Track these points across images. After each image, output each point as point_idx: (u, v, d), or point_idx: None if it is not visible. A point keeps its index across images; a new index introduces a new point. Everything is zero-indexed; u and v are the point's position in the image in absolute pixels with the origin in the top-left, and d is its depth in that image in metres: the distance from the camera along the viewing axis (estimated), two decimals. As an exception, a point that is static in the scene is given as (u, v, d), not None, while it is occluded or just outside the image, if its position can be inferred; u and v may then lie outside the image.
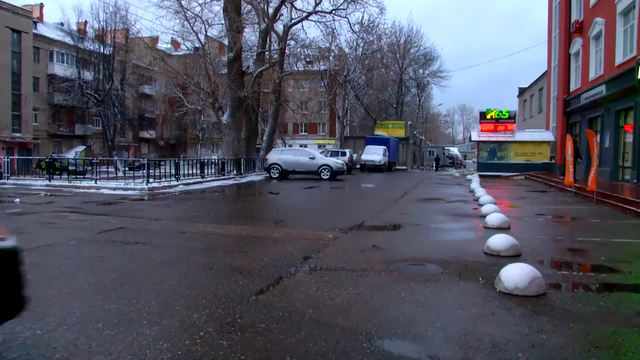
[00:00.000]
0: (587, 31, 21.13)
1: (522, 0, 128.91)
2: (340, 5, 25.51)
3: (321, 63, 34.34)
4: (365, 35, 31.81)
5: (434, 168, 42.98)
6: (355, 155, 33.55)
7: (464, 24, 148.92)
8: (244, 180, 21.58)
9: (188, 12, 22.30)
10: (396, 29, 44.06)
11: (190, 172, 20.90)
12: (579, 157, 17.15)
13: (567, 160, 15.28)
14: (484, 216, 9.04)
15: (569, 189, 15.97)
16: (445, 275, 5.08)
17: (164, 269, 5.21)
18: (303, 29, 32.43)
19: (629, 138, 16.80)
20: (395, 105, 49.60)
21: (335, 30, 28.85)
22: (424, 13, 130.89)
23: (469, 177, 25.25)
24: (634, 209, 10.33)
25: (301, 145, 41.43)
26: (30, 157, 24.28)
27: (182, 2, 22.03)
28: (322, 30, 28.36)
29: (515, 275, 4.43)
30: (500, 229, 7.99)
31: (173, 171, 18.70)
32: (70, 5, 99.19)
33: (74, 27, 41.18)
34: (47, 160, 20.77)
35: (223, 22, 23.31)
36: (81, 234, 7.38)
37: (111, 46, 40.12)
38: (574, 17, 23.53)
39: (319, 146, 48.84)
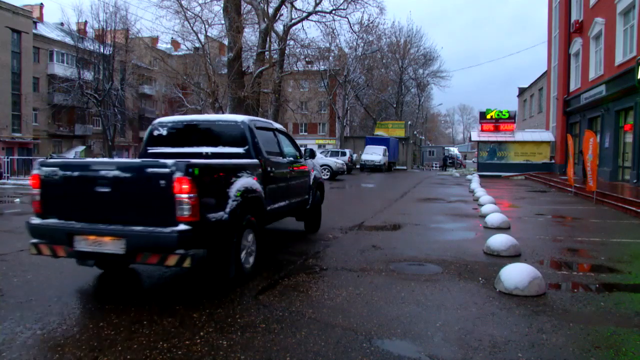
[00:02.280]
0: (587, 31, 21.12)
1: (527, 0, 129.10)
2: (340, 5, 25.47)
3: (321, 63, 34.27)
4: (365, 35, 31.72)
5: (442, 168, 43.32)
6: (355, 155, 33.52)
7: (469, 24, 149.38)
8: (244, 180, 21.51)
9: (188, 12, 22.27)
10: (396, 29, 44.02)
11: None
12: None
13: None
14: (483, 216, 9.05)
15: (569, 189, 15.97)
16: (445, 275, 5.08)
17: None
18: (303, 29, 32.48)
19: (629, 138, 16.79)
20: (395, 105, 49.52)
21: (335, 30, 28.84)
22: (427, 13, 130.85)
23: (468, 177, 25.25)
24: (634, 209, 10.33)
25: (301, 146, 41.39)
26: (31, 157, 24.30)
27: (182, 2, 21.98)
28: (322, 30, 28.35)
29: (515, 275, 4.43)
30: (500, 229, 8.00)
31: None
32: (70, 5, 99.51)
33: (74, 27, 41.10)
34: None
35: (223, 22, 23.26)
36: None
37: (111, 46, 40.06)
38: (574, 17, 23.51)
39: (319, 146, 48.78)
